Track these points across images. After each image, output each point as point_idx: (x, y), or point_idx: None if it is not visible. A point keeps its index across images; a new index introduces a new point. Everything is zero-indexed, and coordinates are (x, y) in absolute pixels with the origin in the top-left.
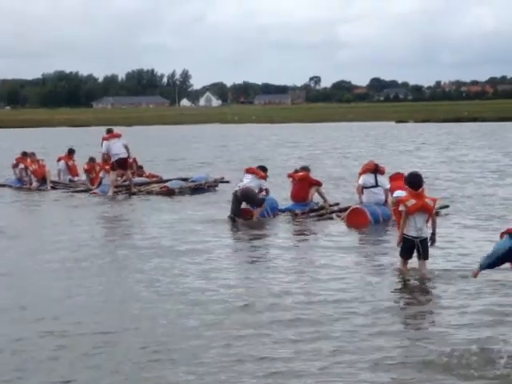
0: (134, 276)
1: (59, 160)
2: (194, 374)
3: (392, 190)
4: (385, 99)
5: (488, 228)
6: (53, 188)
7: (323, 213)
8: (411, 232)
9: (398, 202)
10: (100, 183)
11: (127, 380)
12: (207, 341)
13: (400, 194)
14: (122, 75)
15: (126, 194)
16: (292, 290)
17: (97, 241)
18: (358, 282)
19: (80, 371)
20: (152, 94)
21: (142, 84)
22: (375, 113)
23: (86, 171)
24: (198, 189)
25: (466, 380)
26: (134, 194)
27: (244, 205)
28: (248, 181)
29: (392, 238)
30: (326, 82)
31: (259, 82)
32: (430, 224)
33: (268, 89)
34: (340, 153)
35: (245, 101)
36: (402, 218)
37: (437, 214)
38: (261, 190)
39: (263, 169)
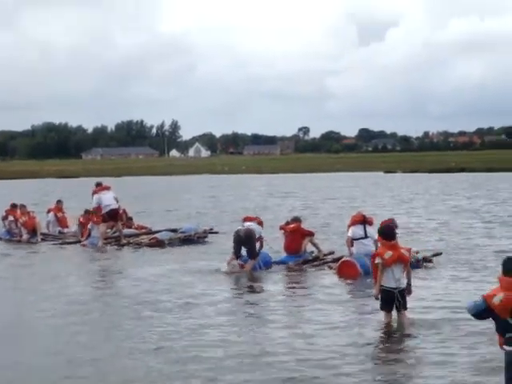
0: (122, 332)
1: (48, 212)
2: None
3: None
4: (373, 150)
5: (483, 280)
6: (43, 240)
7: (316, 264)
8: (390, 283)
9: (375, 255)
10: (89, 235)
11: None
12: None
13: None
14: (111, 126)
15: (116, 246)
16: (283, 347)
17: (85, 295)
18: (346, 338)
19: None
20: (141, 144)
21: (132, 135)
22: (364, 163)
23: (81, 223)
24: (188, 240)
25: None
26: (124, 245)
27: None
28: (250, 224)
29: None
30: (315, 133)
31: (248, 133)
32: (405, 274)
33: (257, 139)
34: (330, 203)
35: (234, 151)
36: (378, 270)
37: (430, 261)
38: (259, 237)
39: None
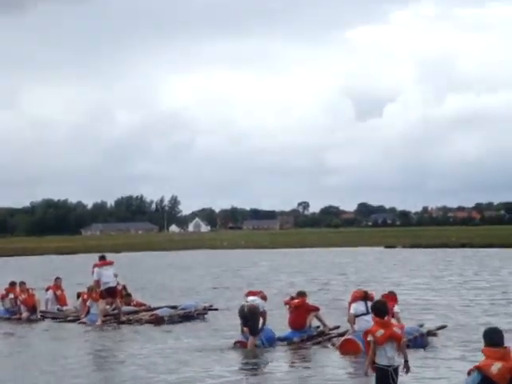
0: None
1: (47, 289)
2: None
3: None
4: (373, 224)
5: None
6: (42, 317)
7: (321, 340)
8: (383, 361)
9: (366, 332)
10: (88, 312)
11: None
12: None
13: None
14: (110, 202)
15: (115, 323)
16: None
17: (85, 377)
18: None
19: None
20: (141, 220)
21: (131, 210)
22: (364, 238)
23: (84, 300)
24: (188, 316)
25: None
26: (123, 322)
27: (240, 337)
28: (253, 298)
29: None
30: (314, 207)
31: (247, 207)
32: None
33: (256, 214)
34: (331, 278)
35: (233, 226)
36: (370, 348)
37: (434, 334)
38: (263, 311)
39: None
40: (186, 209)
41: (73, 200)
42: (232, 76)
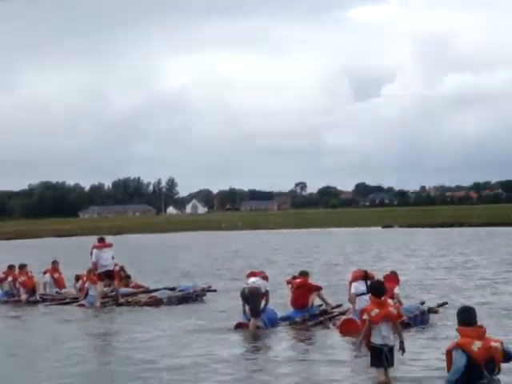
0: None
1: (45, 273)
2: None
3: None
4: (370, 204)
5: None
6: (42, 299)
7: (322, 320)
8: (378, 340)
9: (362, 311)
10: (86, 294)
11: None
12: None
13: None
14: (108, 184)
15: (114, 305)
16: None
17: (86, 359)
18: None
19: None
20: (138, 202)
21: (129, 192)
22: (362, 218)
23: (83, 283)
24: (186, 298)
25: None
26: (122, 304)
27: (242, 318)
28: (255, 280)
29: None
30: (312, 188)
31: (245, 188)
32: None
33: (254, 195)
34: (331, 258)
35: (231, 207)
36: (365, 326)
37: (435, 312)
38: (265, 292)
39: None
40: (183, 190)
41: (70, 182)
42: (231, 57)
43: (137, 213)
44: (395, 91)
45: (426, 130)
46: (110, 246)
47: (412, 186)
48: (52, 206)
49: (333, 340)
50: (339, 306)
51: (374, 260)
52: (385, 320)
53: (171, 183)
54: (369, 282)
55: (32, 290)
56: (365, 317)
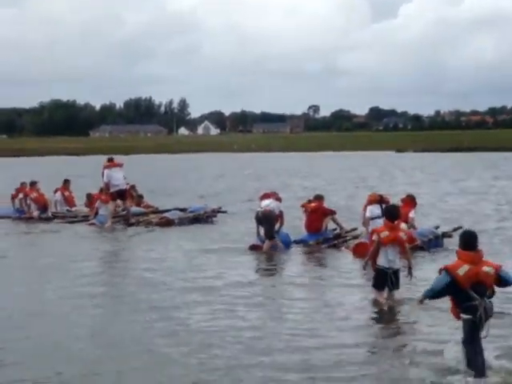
0: (141, 315)
1: (56, 191)
2: None
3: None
4: (384, 128)
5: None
6: (53, 217)
7: (336, 243)
8: (383, 263)
9: (372, 231)
10: (96, 213)
11: None
12: None
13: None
14: (119, 104)
15: (124, 225)
16: (301, 333)
17: (94, 281)
18: (357, 322)
19: None
20: (150, 122)
21: (140, 112)
22: (375, 142)
23: (94, 201)
24: (197, 219)
25: None
26: (132, 224)
27: (256, 240)
28: (268, 202)
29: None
30: (325, 111)
31: (258, 111)
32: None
33: (266, 117)
34: (344, 182)
35: (243, 129)
36: (373, 247)
37: (449, 236)
38: (280, 213)
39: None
40: (195, 112)
41: (81, 101)
42: None
43: (148, 133)
44: (413, 12)
45: (443, 52)
46: (120, 165)
47: (427, 110)
48: (63, 125)
49: (346, 262)
50: (354, 229)
51: (388, 184)
52: (393, 243)
53: (183, 104)
54: (384, 206)
55: (44, 207)
56: (374, 237)
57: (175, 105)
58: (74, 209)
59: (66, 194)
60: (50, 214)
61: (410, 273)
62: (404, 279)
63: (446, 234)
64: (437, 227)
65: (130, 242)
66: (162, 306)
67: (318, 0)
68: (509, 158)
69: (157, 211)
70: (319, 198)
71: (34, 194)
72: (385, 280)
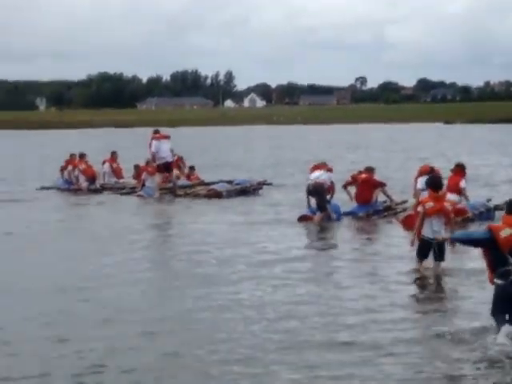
0: (192, 289)
1: (104, 163)
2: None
3: (451, 184)
4: (432, 100)
5: None
6: (102, 188)
7: (386, 215)
8: (428, 234)
9: (418, 203)
10: (143, 185)
11: None
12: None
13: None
14: (166, 76)
15: (172, 197)
16: (350, 308)
17: (148, 250)
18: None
19: None
20: (196, 94)
21: (186, 85)
22: (423, 113)
23: (142, 172)
24: (244, 191)
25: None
26: (180, 196)
27: (306, 211)
28: (318, 174)
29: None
30: (373, 83)
31: (304, 83)
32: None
33: (313, 89)
34: (392, 155)
35: (289, 101)
36: (418, 218)
37: (502, 209)
38: (331, 184)
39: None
40: (241, 84)
41: (128, 74)
42: None
43: (194, 106)
44: None
45: (493, 22)
46: (168, 137)
47: (476, 81)
48: (110, 97)
49: (395, 234)
50: (404, 202)
51: (438, 156)
52: (438, 214)
53: (229, 76)
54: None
55: (92, 179)
56: (419, 209)
57: (221, 77)
58: (121, 180)
59: (114, 165)
60: (98, 186)
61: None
62: (449, 250)
63: (498, 207)
64: (489, 200)
65: (177, 215)
66: (213, 281)
67: None
68: None
69: (204, 183)
70: (369, 170)
71: (82, 166)
72: (428, 250)
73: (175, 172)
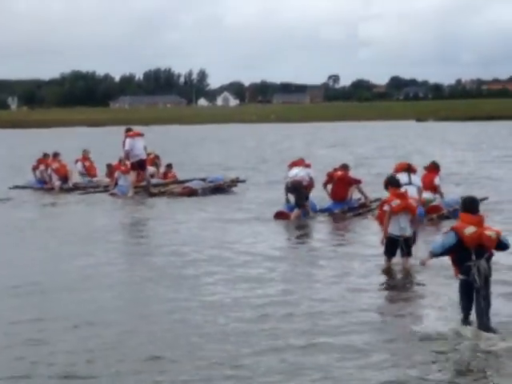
0: (165, 286)
1: (76, 162)
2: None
3: (425, 181)
4: (404, 98)
5: None
6: (75, 187)
7: (361, 212)
8: (395, 231)
9: (383, 202)
10: (116, 184)
11: None
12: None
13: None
14: (139, 75)
15: (146, 195)
16: (325, 309)
17: (125, 247)
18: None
19: None
20: (169, 93)
21: (159, 83)
22: (395, 111)
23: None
24: (217, 189)
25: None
26: (154, 194)
27: (282, 207)
28: (297, 171)
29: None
30: (345, 81)
31: (277, 81)
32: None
33: (286, 88)
34: (367, 152)
35: (263, 100)
36: (385, 217)
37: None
38: (311, 179)
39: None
40: (214, 82)
41: (100, 72)
42: None
43: (168, 104)
44: None
45: (463, 20)
46: (141, 135)
47: (447, 79)
48: (83, 96)
49: (371, 230)
50: (378, 199)
51: (410, 153)
52: (404, 211)
53: (202, 75)
54: (411, 175)
55: (65, 178)
56: (385, 208)
57: (195, 76)
58: (95, 179)
59: (87, 164)
60: (70, 185)
61: (413, 238)
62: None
63: None
64: (484, 199)
65: (152, 213)
66: (188, 277)
67: None
68: None
69: (178, 181)
70: (345, 168)
71: (55, 165)
72: (395, 247)
73: (151, 169)
